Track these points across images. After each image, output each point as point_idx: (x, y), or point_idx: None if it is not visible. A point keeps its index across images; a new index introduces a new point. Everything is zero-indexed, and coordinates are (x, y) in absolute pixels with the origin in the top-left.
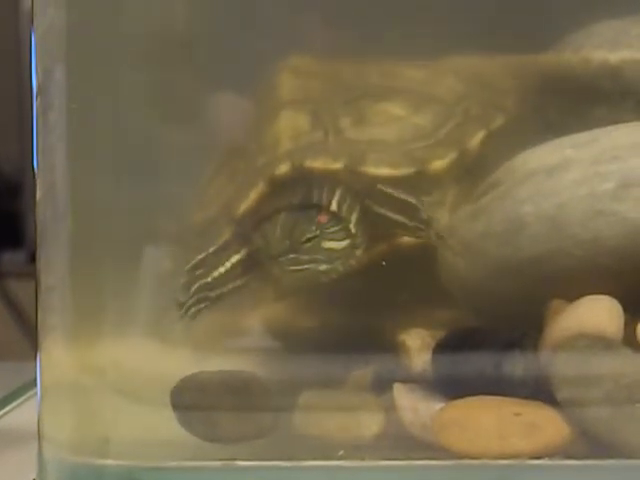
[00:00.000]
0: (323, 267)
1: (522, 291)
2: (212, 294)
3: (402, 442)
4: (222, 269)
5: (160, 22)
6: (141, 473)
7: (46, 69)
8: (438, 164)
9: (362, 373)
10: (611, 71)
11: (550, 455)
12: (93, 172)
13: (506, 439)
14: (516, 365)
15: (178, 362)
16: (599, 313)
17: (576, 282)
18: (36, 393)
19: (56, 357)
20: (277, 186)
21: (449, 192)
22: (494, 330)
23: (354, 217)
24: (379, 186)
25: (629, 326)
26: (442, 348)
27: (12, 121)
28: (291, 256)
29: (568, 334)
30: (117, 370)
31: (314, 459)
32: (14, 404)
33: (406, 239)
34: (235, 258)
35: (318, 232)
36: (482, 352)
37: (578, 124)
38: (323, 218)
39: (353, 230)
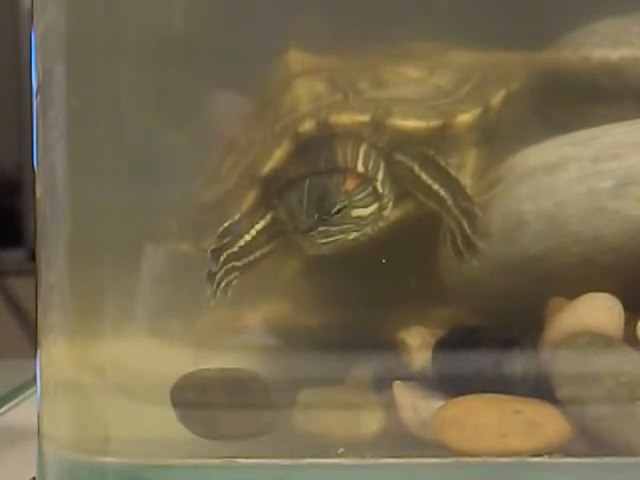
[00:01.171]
0: (352, 235)
1: (522, 289)
2: (239, 263)
3: (402, 440)
4: (248, 237)
5: (159, 21)
6: (141, 471)
7: (46, 68)
8: (464, 117)
9: (362, 371)
10: (611, 69)
11: (550, 453)
12: (93, 170)
13: (506, 437)
14: (516, 363)
15: (178, 360)
16: (599, 311)
17: (576, 280)
18: (36, 391)
19: (56, 355)
20: (302, 144)
21: (470, 156)
22: (494, 328)
23: (380, 175)
24: (414, 133)
25: (629, 324)
26: (442, 346)
27: (12, 119)
28: (321, 229)
29: (568, 332)
30: (117, 368)
31: (314, 457)
32: (14, 402)
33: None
34: (260, 224)
35: (346, 202)
36: (482, 350)
37: (578, 122)
38: (350, 185)
39: (380, 189)
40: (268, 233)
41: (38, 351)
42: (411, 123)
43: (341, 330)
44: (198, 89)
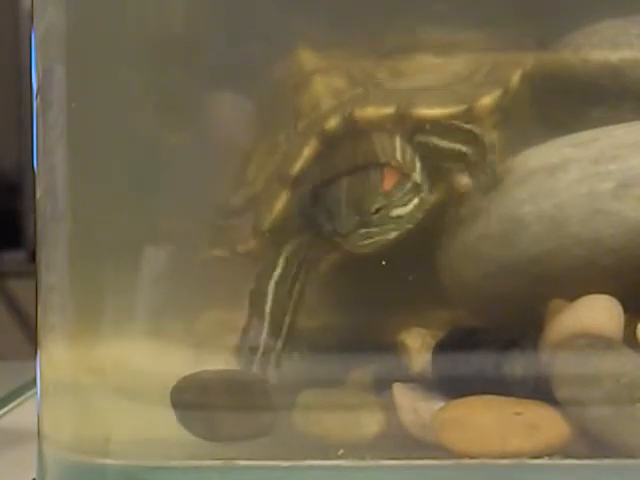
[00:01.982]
0: (393, 235)
1: (522, 290)
2: (277, 344)
3: (402, 442)
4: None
5: (159, 22)
6: (141, 472)
7: (46, 68)
8: (486, 100)
9: (362, 372)
10: (611, 70)
11: (550, 454)
12: (93, 171)
13: (506, 439)
14: (516, 364)
15: (178, 361)
16: (599, 312)
17: (576, 282)
18: (36, 392)
19: (56, 356)
20: (329, 142)
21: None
22: (494, 330)
23: (417, 165)
24: (439, 120)
25: (629, 325)
26: (442, 348)
27: (11, 120)
28: (361, 231)
29: (568, 333)
30: (117, 369)
31: (314, 458)
32: (14, 403)
33: (465, 180)
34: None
35: (385, 202)
36: (482, 352)
37: (578, 123)
38: (388, 183)
39: (418, 180)
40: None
41: (38, 352)
42: (436, 111)
43: (341, 331)
44: (199, 90)
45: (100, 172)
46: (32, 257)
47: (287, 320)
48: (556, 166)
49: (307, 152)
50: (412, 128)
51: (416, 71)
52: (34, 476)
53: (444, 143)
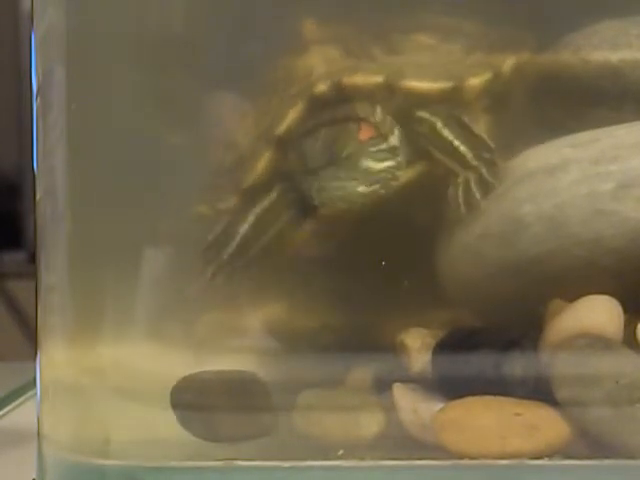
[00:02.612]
0: (361, 188)
1: (522, 291)
2: (238, 262)
3: (402, 442)
4: (239, 237)
5: (159, 23)
6: (141, 473)
7: (46, 70)
8: (474, 81)
9: (362, 373)
10: (611, 71)
11: (550, 455)
12: (93, 172)
13: (506, 439)
14: (516, 365)
15: (178, 362)
16: (599, 313)
17: (576, 282)
18: (36, 393)
19: (56, 357)
20: (317, 106)
21: (479, 122)
22: (494, 330)
23: (396, 132)
24: (427, 94)
25: (629, 326)
26: (442, 348)
27: (11, 122)
28: (330, 169)
29: (568, 334)
30: (117, 370)
31: (314, 459)
32: (14, 404)
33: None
34: (252, 217)
35: (358, 149)
36: (482, 352)
37: (578, 124)
38: (365, 134)
39: (396, 143)
40: (266, 220)
41: (38, 353)
42: (423, 85)
43: (341, 332)
44: (198, 91)
45: (100, 173)
46: (32, 258)
47: (252, 246)
48: (556, 166)
49: (293, 114)
50: (401, 101)
51: (411, 49)
52: (34, 476)
53: (446, 132)
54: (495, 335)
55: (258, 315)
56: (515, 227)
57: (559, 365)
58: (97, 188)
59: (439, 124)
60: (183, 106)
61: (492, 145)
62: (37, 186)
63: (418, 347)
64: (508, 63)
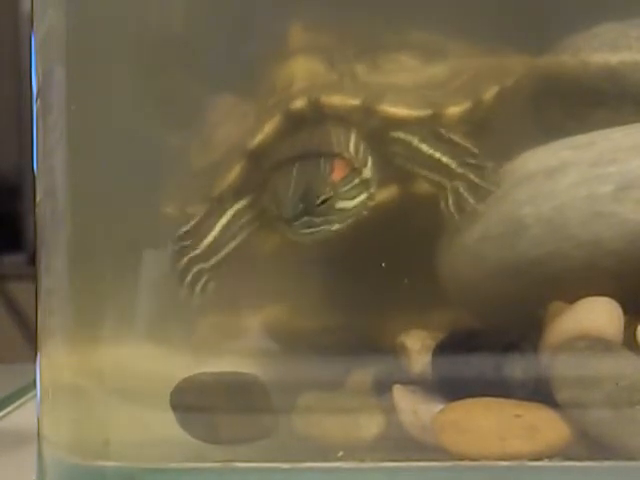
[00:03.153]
0: (336, 227)
1: (522, 293)
2: (207, 265)
3: (402, 444)
4: (211, 236)
5: (159, 24)
6: (141, 474)
7: (46, 71)
8: (454, 110)
9: (362, 374)
10: (610, 73)
11: (550, 457)
12: (93, 174)
13: (506, 441)
14: (516, 367)
15: (177, 364)
16: (599, 315)
17: (576, 284)
18: (36, 394)
19: (56, 359)
20: (292, 121)
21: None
22: (494, 332)
23: (369, 161)
24: (404, 120)
25: (629, 327)
26: (442, 350)
27: (11, 123)
28: (305, 219)
29: (568, 336)
30: (116, 371)
31: (314, 460)
32: (14, 405)
33: (420, 185)
34: (225, 219)
35: (332, 193)
36: (482, 354)
37: (577, 126)
38: (338, 175)
39: (368, 175)
40: (234, 227)
41: (38, 355)
42: (400, 110)
43: (341, 334)
44: (198, 91)
45: (100, 174)
46: (32, 260)
47: (212, 261)
48: (555, 169)
49: (268, 128)
50: (378, 125)
51: (394, 69)
52: (34, 478)
53: (425, 147)
54: (495, 337)
55: (257, 317)
56: (515, 229)
57: (559, 367)
58: (97, 189)
59: (416, 141)
60: (183, 106)
61: (475, 150)
62: (37, 187)
63: (418, 349)
64: (491, 91)
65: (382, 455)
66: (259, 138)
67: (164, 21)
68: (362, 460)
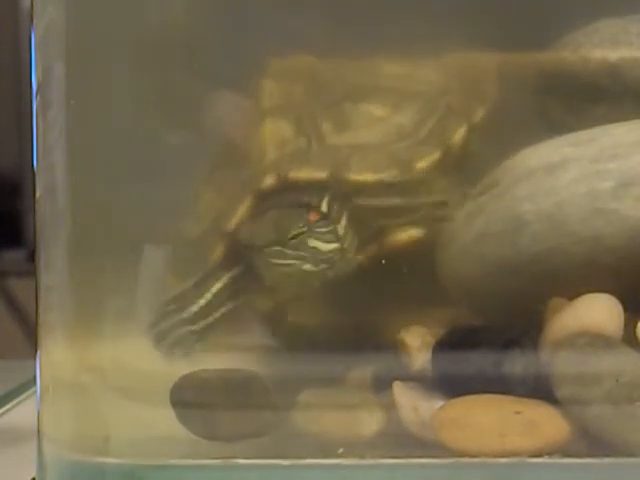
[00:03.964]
0: (307, 267)
1: (522, 289)
2: (196, 327)
3: (402, 440)
4: (203, 300)
5: (159, 21)
6: (141, 471)
7: (46, 67)
8: (421, 164)
9: (362, 371)
10: (610, 69)
11: (550, 453)
12: (93, 171)
13: (506, 437)
14: (516, 363)
15: (178, 360)
16: (599, 311)
17: (576, 280)
18: (36, 391)
19: (56, 355)
20: (265, 197)
21: (437, 184)
22: (494, 328)
23: (343, 221)
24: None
25: (629, 324)
26: (442, 346)
27: (11, 120)
28: (276, 248)
29: (568, 332)
30: (116, 368)
31: (314, 457)
32: (14, 402)
33: (398, 238)
34: (216, 287)
35: (305, 228)
36: (482, 350)
37: (577, 122)
38: (313, 217)
39: (341, 233)
40: (225, 294)
41: (38, 351)
42: (368, 177)
43: (341, 330)
44: (198, 89)
45: (100, 171)
46: (32, 256)
47: (202, 324)
48: (556, 165)
49: (242, 210)
50: (347, 191)
51: (362, 123)
52: (34, 474)
53: (381, 201)
54: (495, 333)
55: (258, 313)
56: (515, 225)
57: (559, 363)
58: (97, 186)
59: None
60: (183, 104)
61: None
62: (37, 184)
63: (418, 345)
64: (459, 132)
65: (382, 452)
66: (235, 221)
67: (164, 17)
68: (362, 457)
